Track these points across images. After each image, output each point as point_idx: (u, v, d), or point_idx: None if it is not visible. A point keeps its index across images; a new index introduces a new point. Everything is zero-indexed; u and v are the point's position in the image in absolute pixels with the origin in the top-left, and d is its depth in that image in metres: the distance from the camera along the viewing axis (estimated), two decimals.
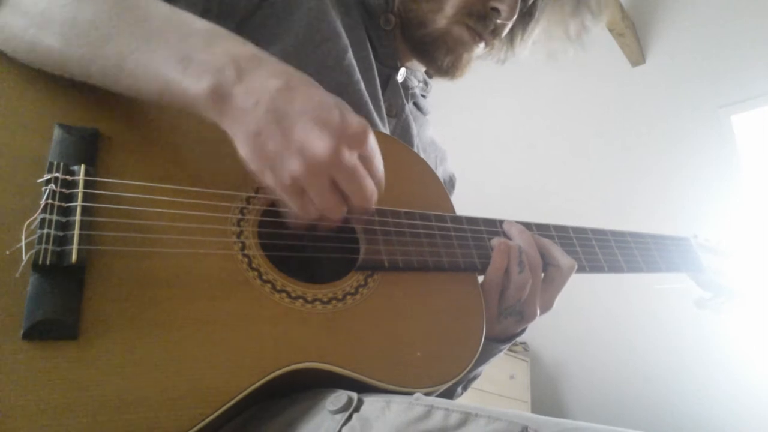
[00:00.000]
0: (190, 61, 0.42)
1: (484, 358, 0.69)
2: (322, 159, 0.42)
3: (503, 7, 0.69)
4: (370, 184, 0.46)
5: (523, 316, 0.64)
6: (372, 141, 0.46)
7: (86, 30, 0.43)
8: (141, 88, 0.44)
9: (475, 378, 0.73)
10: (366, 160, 0.46)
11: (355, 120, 0.44)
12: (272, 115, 0.42)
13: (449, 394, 0.70)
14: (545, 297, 0.65)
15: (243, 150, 0.43)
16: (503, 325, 0.65)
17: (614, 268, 0.74)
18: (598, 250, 0.73)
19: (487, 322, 0.59)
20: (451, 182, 0.91)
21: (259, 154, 0.43)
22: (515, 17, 0.71)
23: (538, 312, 0.65)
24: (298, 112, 0.42)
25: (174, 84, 0.42)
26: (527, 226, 0.68)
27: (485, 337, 0.65)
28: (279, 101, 0.42)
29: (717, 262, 0.92)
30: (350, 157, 0.43)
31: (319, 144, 0.41)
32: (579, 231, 0.73)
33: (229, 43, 0.45)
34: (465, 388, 0.73)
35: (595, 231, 0.75)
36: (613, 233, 0.77)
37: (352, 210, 0.48)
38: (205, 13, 0.61)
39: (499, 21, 0.71)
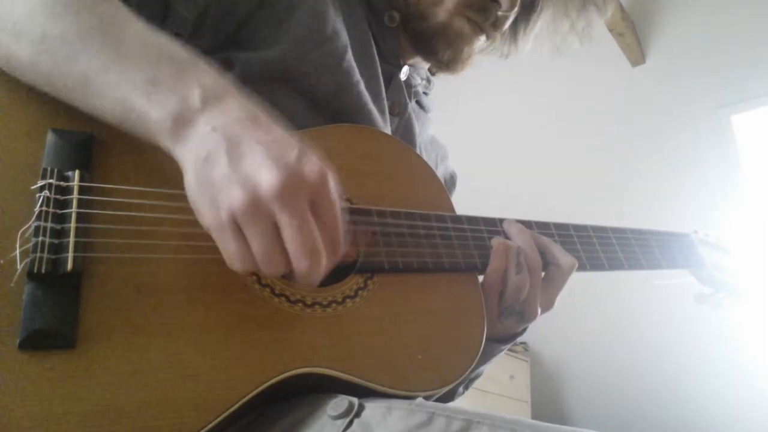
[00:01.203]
0: (157, 86, 0.41)
1: (485, 358, 0.68)
2: (266, 194, 0.37)
3: None
4: (316, 238, 0.40)
5: (524, 316, 0.64)
6: (330, 191, 0.41)
7: (55, 46, 0.42)
8: (105, 109, 0.43)
9: (476, 377, 0.73)
10: (320, 210, 0.40)
11: (314, 163, 0.40)
12: (225, 142, 0.39)
13: (451, 394, 0.70)
14: (546, 296, 0.65)
15: (187, 177, 0.40)
16: (504, 325, 0.65)
17: (615, 265, 0.73)
18: (598, 247, 0.73)
19: (487, 322, 0.59)
20: (452, 180, 0.91)
21: (202, 182, 0.39)
22: (516, 9, 0.70)
23: (539, 312, 0.65)
24: (253, 143, 0.39)
25: (137, 107, 0.41)
26: (527, 224, 0.68)
27: (487, 338, 0.65)
28: (236, 130, 0.39)
29: (717, 258, 0.92)
30: (300, 200, 0.38)
31: (266, 177, 0.37)
32: (580, 228, 0.73)
33: (202, 72, 0.43)
34: (466, 388, 0.73)
35: (595, 228, 0.74)
36: (614, 230, 0.77)
37: (296, 269, 0.40)
38: (204, 15, 0.60)
39: (499, 13, 0.70)
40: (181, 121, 0.40)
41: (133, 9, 0.57)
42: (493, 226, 0.65)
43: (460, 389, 0.72)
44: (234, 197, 0.37)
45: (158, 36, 0.45)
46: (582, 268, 0.68)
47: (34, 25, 0.43)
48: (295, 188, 0.38)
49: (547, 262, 0.65)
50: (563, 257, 0.65)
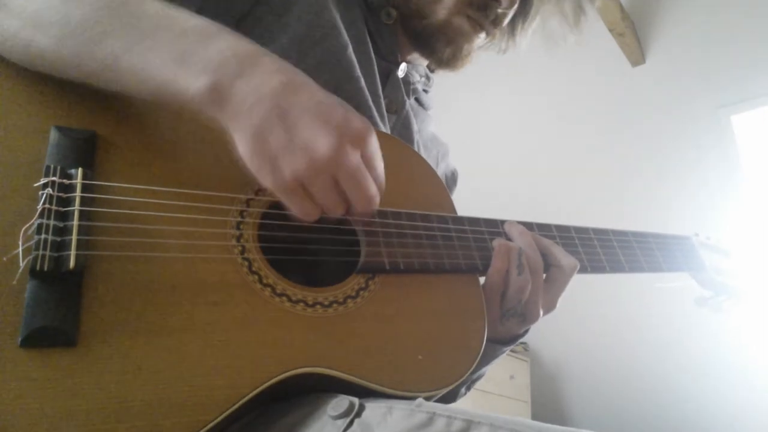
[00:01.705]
0: (187, 59, 0.41)
1: (487, 360, 0.68)
2: (325, 157, 0.41)
3: None
4: (372, 185, 0.46)
5: (526, 318, 0.64)
6: (374, 142, 0.46)
7: (78, 30, 0.42)
8: (136, 87, 0.43)
9: (478, 378, 0.73)
10: (368, 161, 0.46)
11: (358, 119, 0.44)
12: (275, 111, 0.41)
13: (453, 394, 0.70)
14: (548, 297, 0.65)
15: (243, 147, 0.42)
16: (506, 326, 0.65)
17: (616, 267, 0.73)
18: (600, 249, 0.73)
19: (489, 324, 0.59)
20: (453, 177, 0.91)
21: (260, 151, 0.41)
22: (516, 5, 0.70)
23: (541, 313, 0.65)
24: (302, 109, 0.42)
25: (171, 83, 0.41)
26: (528, 226, 0.68)
27: (488, 339, 0.65)
28: (282, 98, 0.41)
29: (717, 261, 0.92)
30: (353, 156, 0.43)
31: (323, 142, 0.41)
32: (581, 231, 0.73)
33: (227, 39, 0.44)
34: (468, 389, 0.73)
35: (597, 231, 0.75)
36: (615, 233, 0.77)
37: (353, 212, 0.47)
38: (201, 11, 0.60)
39: (499, 10, 0.70)
40: (220, 91, 0.41)
41: None
42: (494, 227, 0.65)
43: (462, 390, 0.72)
44: (297, 163, 0.41)
45: (176, 9, 0.45)
46: (583, 270, 0.68)
47: (54, 12, 0.43)
48: (347, 146, 0.42)
49: (548, 264, 0.65)
50: (564, 258, 0.65)
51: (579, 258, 0.68)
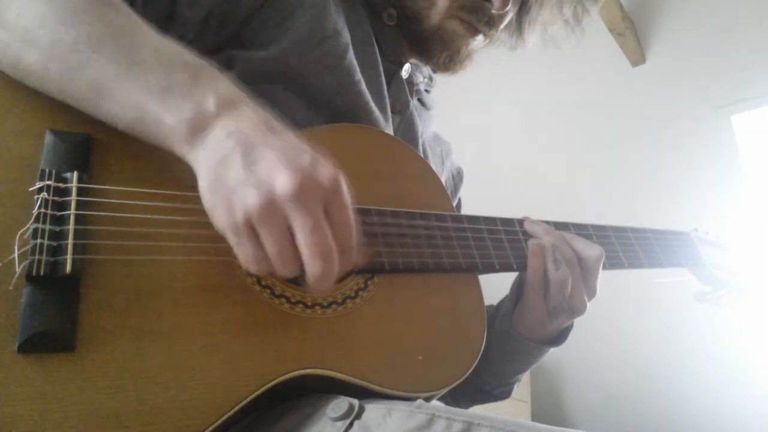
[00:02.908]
0: (171, 93, 0.41)
1: (531, 363, 0.71)
2: (280, 194, 0.38)
3: None
4: (327, 241, 0.40)
5: (573, 310, 0.65)
6: (342, 197, 0.41)
7: (66, 52, 0.42)
8: (117, 115, 0.43)
9: (517, 381, 0.76)
10: (332, 215, 0.41)
11: (328, 169, 0.41)
12: (240, 146, 0.39)
13: (507, 393, 0.75)
14: (588, 287, 0.66)
15: (202, 181, 0.40)
16: (555, 324, 0.66)
17: (615, 264, 0.74)
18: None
19: (538, 324, 0.61)
20: (459, 175, 0.91)
21: (217, 186, 0.39)
22: (509, 6, 0.70)
23: (587, 302, 0.66)
24: (268, 147, 0.40)
25: (152, 113, 0.41)
26: (521, 221, 0.69)
27: (538, 341, 0.68)
28: (251, 135, 0.40)
29: (717, 256, 0.92)
30: (313, 204, 0.39)
31: (281, 179, 0.38)
32: (580, 227, 0.73)
33: (216, 80, 0.44)
34: (508, 394, 0.77)
35: (596, 227, 0.75)
36: (615, 228, 0.77)
37: (309, 270, 0.40)
38: (209, 15, 0.60)
39: (493, 11, 0.70)
40: (196, 127, 0.41)
41: (139, 11, 0.57)
42: (494, 224, 0.65)
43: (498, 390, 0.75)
44: (249, 200, 0.38)
45: (171, 43, 0.45)
46: None
47: (45, 32, 0.43)
48: (309, 191, 0.38)
49: (578, 257, 0.66)
50: (589, 250, 0.66)
51: None
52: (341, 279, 0.52)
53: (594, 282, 0.66)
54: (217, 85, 0.43)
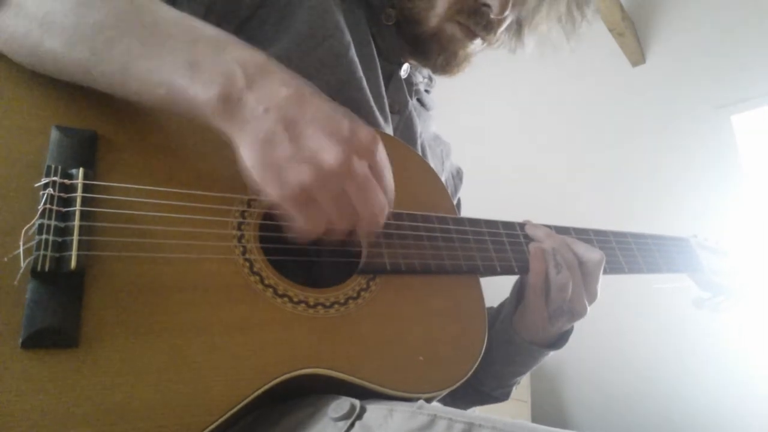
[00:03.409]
0: (198, 67, 0.41)
1: (531, 365, 0.71)
2: (333, 168, 0.41)
3: (494, 3, 0.68)
4: (380, 195, 0.45)
5: (573, 314, 0.66)
6: (381, 152, 0.46)
7: (91, 33, 0.42)
8: (145, 93, 0.43)
9: (516, 384, 0.77)
10: (376, 171, 0.45)
11: (365, 130, 0.43)
12: (282, 122, 0.41)
13: (505, 395, 0.76)
14: (588, 290, 0.66)
15: (249, 157, 0.41)
16: (556, 327, 0.67)
17: (615, 269, 0.74)
18: None
19: (539, 328, 0.61)
20: (459, 175, 0.91)
21: (266, 162, 0.41)
22: (508, 11, 0.70)
23: (587, 305, 0.66)
24: (309, 120, 0.41)
25: (181, 90, 0.41)
26: (523, 225, 0.69)
27: (538, 343, 0.68)
28: (289, 109, 0.41)
29: (716, 262, 0.93)
30: (360, 167, 0.43)
31: (330, 152, 0.41)
32: (580, 232, 0.73)
33: (239, 50, 0.44)
34: (507, 396, 0.77)
35: (596, 232, 0.75)
36: (615, 234, 0.77)
37: (361, 224, 0.46)
38: (208, 12, 0.60)
39: (492, 16, 0.70)
40: (230, 101, 0.41)
41: None
42: (495, 227, 0.65)
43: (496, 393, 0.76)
44: (303, 175, 0.41)
45: (190, 18, 0.45)
46: None
47: (66, 15, 0.43)
48: (354, 158, 0.42)
49: (579, 261, 0.66)
50: (589, 254, 0.66)
51: None
52: (337, 276, 0.53)
53: (595, 286, 0.66)
54: (242, 55, 0.43)
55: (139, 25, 0.43)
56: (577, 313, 0.65)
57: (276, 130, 0.41)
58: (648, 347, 2.62)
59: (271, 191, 0.42)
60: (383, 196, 0.46)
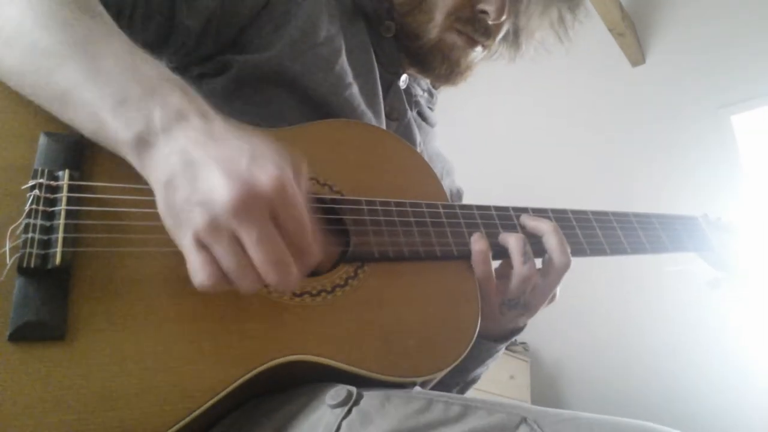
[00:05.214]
0: (125, 106, 0.41)
1: (482, 360, 0.68)
2: (220, 209, 0.37)
3: (490, 9, 0.69)
4: (280, 248, 0.39)
5: (528, 308, 0.64)
6: (291, 197, 0.39)
7: (39, 58, 0.43)
8: (80, 123, 0.44)
9: (474, 381, 0.73)
10: (282, 221, 0.39)
11: (267, 171, 0.38)
12: (182, 165, 0.39)
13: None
14: (550, 288, 0.64)
15: (158, 201, 0.40)
16: (506, 318, 0.64)
17: (617, 249, 0.70)
18: (599, 231, 0.71)
19: (487, 319, 0.58)
20: (458, 195, 0.90)
21: (167, 206, 0.39)
22: (505, 17, 0.70)
23: (545, 304, 0.64)
24: (207, 160, 0.39)
25: (106, 126, 0.42)
26: (523, 210, 0.67)
27: (484, 336, 0.65)
28: (192, 151, 0.39)
29: (729, 241, 0.88)
30: (256, 212, 0.38)
31: (218, 192, 0.37)
32: (578, 213, 0.71)
33: (170, 92, 0.43)
34: (462, 391, 0.73)
35: (596, 212, 0.72)
36: (616, 214, 0.74)
37: (266, 281, 0.39)
38: (208, 24, 0.62)
39: (489, 22, 0.71)
40: (143, 143, 0.41)
41: (139, 22, 0.58)
42: (487, 211, 0.65)
43: (454, 392, 0.71)
44: (195, 219, 0.38)
45: (136, 54, 0.45)
46: (581, 253, 0.67)
47: (22, 35, 0.44)
48: (249, 200, 0.37)
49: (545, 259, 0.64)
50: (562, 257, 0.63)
51: (576, 241, 0.67)
52: (312, 273, 0.52)
53: (555, 286, 0.64)
54: (168, 99, 0.42)
55: (84, 56, 0.43)
56: (533, 308, 0.64)
57: (176, 173, 0.39)
58: (649, 347, 2.61)
59: (174, 237, 0.40)
60: (284, 250, 0.39)
